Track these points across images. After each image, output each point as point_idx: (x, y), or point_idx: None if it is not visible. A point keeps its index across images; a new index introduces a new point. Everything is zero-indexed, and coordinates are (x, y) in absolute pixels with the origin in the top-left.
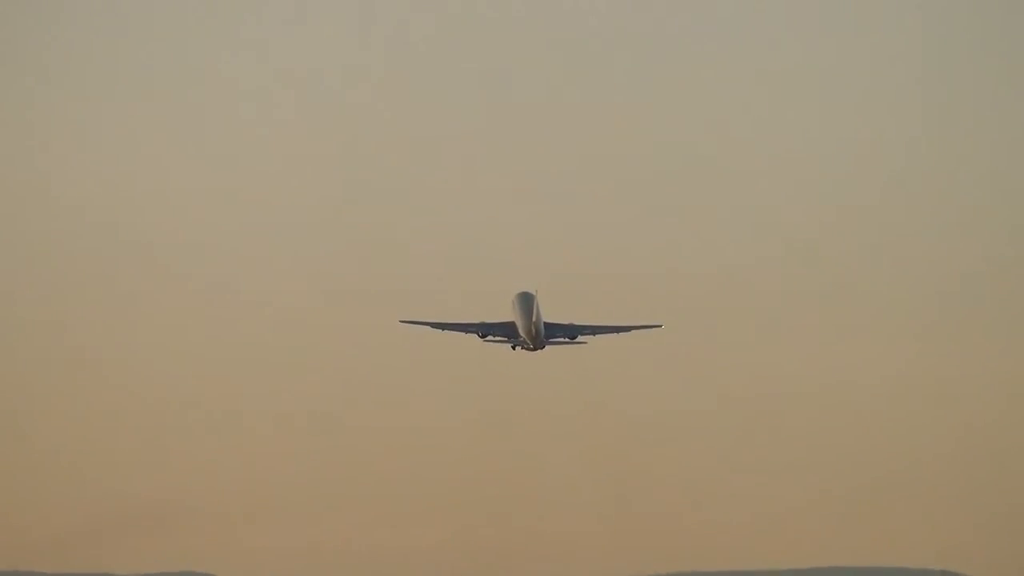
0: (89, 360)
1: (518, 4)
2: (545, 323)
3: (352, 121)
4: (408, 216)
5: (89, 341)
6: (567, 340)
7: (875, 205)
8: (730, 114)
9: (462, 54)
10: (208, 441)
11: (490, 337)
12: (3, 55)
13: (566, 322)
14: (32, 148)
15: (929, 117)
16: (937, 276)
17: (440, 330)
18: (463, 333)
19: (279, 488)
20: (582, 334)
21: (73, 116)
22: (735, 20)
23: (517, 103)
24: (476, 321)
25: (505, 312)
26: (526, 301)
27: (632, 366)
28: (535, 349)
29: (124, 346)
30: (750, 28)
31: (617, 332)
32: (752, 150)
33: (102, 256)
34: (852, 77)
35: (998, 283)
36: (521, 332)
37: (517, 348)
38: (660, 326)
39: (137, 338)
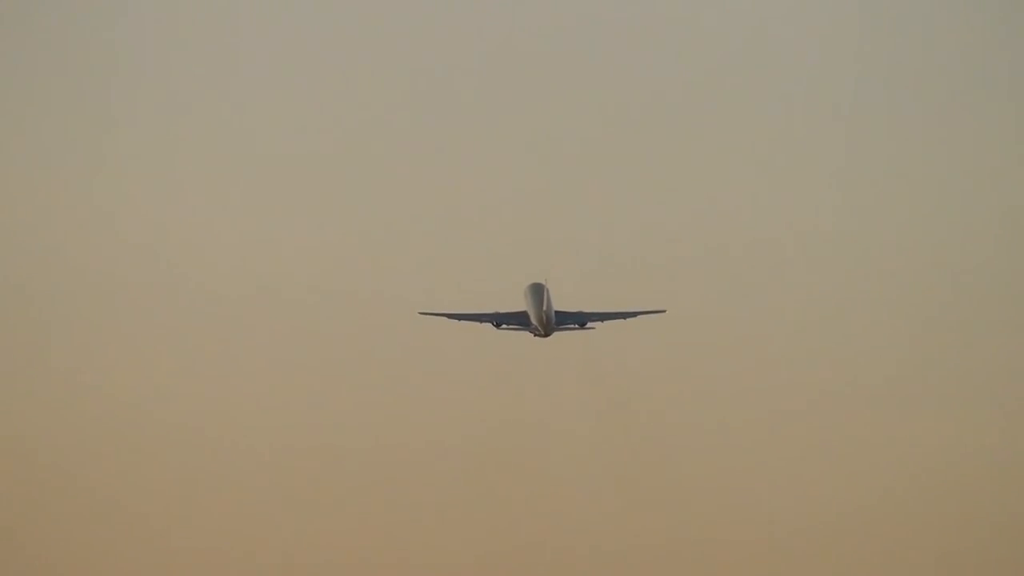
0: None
1: (526, 3)
2: (556, 311)
3: (364, 120)
4: (425, 217)
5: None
6: (576, 326)
7: (887, 188)
8: (736, 107)
9: (470, 49)
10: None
11: (504, 326)
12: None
13: (575, 310)
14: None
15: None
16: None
17: (457, 320)
18: (478, 323)
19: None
20: (590, 320)
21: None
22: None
23: (525, 100)
24: (491, 311)
25: (518, 302)
26: (537, 291)
27: (637, 349)
28: (546, 336)
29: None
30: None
31: (624, 318)
32: (754, 141)
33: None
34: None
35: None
36: (533, 320)
37: (534, 334)
38: (664, 311)
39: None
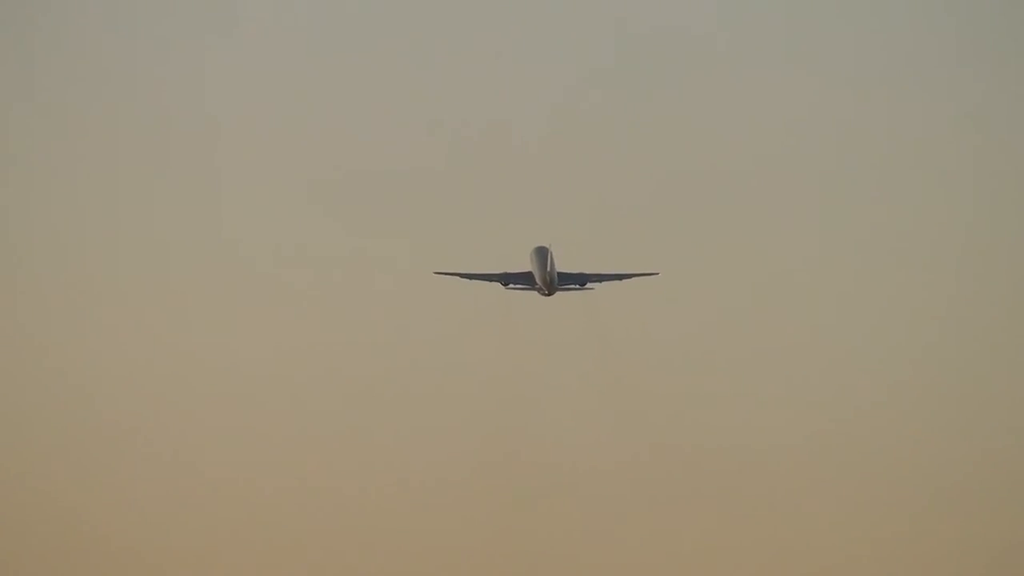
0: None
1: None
2: (558, 272)
3: (382, 92)
4: (442, 191)
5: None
6: (577, 287)
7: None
8: (739, 94)
9: (482, 34)
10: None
11: (511, 285)
12: None
13: (576, 271)
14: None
15: None
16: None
17: (469, 280)
18: (488, 282)
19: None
20: (590, 281)
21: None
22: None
23: (530, 84)
24: (499, 272)
25: (524, 264)
26: (541, 254)
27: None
28: (550, 295)
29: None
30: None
31: (620, 279)
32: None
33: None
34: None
35: None
36: (538, 280)
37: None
38: (657, 274)
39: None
